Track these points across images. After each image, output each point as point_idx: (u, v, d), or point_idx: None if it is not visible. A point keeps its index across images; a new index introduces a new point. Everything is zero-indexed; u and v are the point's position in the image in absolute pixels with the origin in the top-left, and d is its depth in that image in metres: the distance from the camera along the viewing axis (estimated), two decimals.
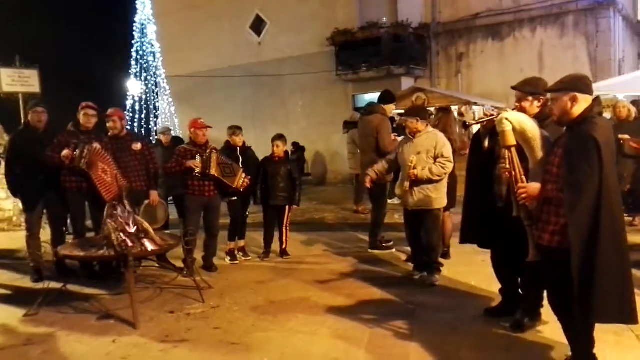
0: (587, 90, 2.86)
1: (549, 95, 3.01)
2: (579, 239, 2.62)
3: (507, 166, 3.08)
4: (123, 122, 5.79)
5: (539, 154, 3.04)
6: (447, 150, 4.97)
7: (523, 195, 2.98)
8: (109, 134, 5.72)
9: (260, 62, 16.23)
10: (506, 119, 3.08)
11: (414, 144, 5.03)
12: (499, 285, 4.08)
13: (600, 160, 2.61)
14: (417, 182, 4.92)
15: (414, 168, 4.87)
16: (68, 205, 5.51)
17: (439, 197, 5.01)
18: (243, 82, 16.44)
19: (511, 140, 3.07)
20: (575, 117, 2.81)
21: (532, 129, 3.08)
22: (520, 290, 3.90)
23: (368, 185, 5.42)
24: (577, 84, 2.86)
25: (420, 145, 4.99)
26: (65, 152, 5.10)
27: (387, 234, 6.68)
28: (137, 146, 5.73)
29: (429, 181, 4.91)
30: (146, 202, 5.66)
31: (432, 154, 4.94)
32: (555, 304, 2.98)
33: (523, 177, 3.04)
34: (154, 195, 5.74)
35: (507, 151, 3.10)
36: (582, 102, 2.80)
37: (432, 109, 9.53)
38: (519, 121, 3.09)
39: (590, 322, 2.79)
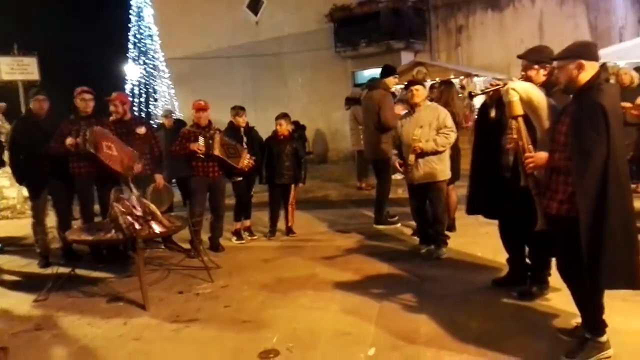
0: (593, 57, 2.84)
1: (555, 63, 2.97)
2: (587, 206, 2.62)
3: (515, 136, 3.07)
4: (125, 107, 5.76)
5: (547, 122, 3.02)
6: (449, 120, 4.97)
7: (530, 165, 2.96)
8: (111, 118, 5.70)
9: (259, 42, 16.05)
10: (512, 89, 3.05)
11: (415, 118, 5.02)
12: (505, 256, 4.11)
13: (607, 127, 2.60)
14: (422, 154, 4.92)
15: (419, 141, 4.88)
16: (74, 191, 5.53)
17: (443, 168, 5.03)
18: (242, 62, 16.29)
19: (518, 110, 3.04)
20: (582, 85, 2.78)
21: (539, 98, 3.05)
22: (527, 260, 3.91)
23: (400, 170, 5.28)
24: (583, 50, 2.84)
25: (422, 118, 4.98)
26: (68, 140, 5.11)
27: (391, 209, 6.70)
28: (142, 130, 5.72)
29: (434, 153, 4.92)
30: (152, 185, 5.67)
31: (434, 125, 4.93)
32: (565, 272, 2.98)
33: (530, 146, 3.02)
34: (159, 178, 5.76)
35: (514, 121, 3.08)
36: (589, 69, 2.78)
37: (432, 82, 9.50)
38: (525, 91, 3.06)
39: (599, 289, 2.79)
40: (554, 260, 3.23)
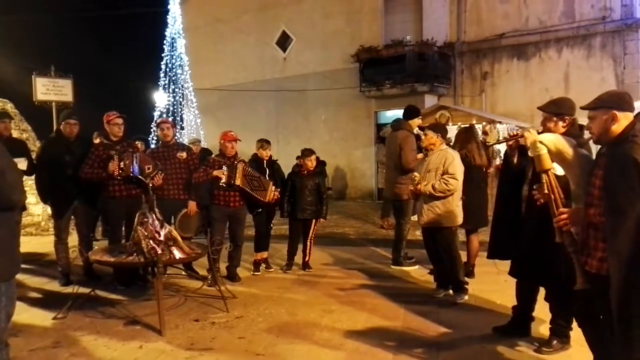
0: (628, 107, 2.69)
1: (589, 113, 2.81)
2: (619, 267, 2.48)
3: (546, 191, 2.92)
4: (174, 130, 5.99)
5: (580, 174, 2.89)
6: (454, 167, 4.92)
7: (562, 222, 2.81)
8: (161, 141, 5.92)
9: (285, 77, 16.46)
10: (540, 141, 2.94)
11: (427, 161, 5.09)
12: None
13: None
14: (423, 197, 4.96)
15: (418, 183, 4.95)
16: (97, 213, 5.61)
17: (448, 215, 4.95)
18: (268, 96, 16.66)
19: (547, 163, 2.92)
20: (616, 136, 2.65)
21: (569, 148, 2.93)
22: (551, 312, 3.79)
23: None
24: (617, 101, 2.71)
25: (432, 163, 5.03)
26: (111, 166, 5.25)
27: (409, 251, 6.65)
28: (182, 155, 5.85)
29: (437, 198, 4.91)
30: (184, 211, 5.72)
31: (440, 171, 4.95)
32: (589, 329, 2.88)
33: (563, 201, 2.89)
34: (192, 205, 5.76)
35: (544, 175, 2.94)
36: (623, 120, 2.64)
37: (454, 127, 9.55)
38: (553, 142, 2.95)
39: (631, 354, 2.55)
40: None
